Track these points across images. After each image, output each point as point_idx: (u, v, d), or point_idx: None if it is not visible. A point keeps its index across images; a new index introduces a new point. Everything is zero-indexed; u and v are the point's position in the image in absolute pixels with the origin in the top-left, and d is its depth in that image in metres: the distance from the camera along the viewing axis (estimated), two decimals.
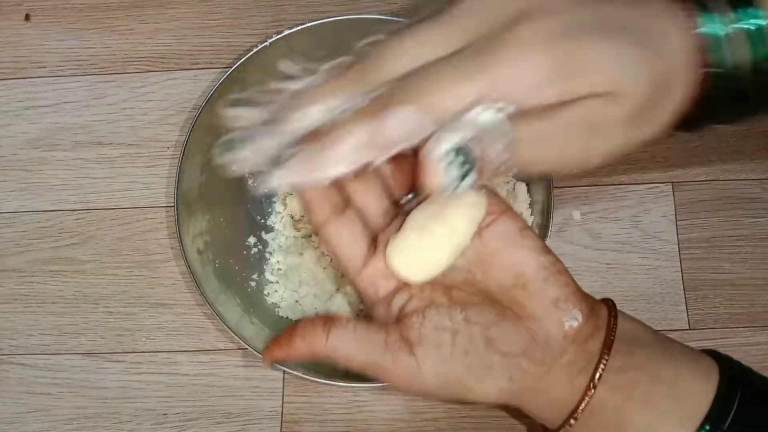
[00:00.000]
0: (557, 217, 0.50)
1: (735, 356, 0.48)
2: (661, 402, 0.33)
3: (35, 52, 0.55)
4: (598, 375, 0.33)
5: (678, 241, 0.50)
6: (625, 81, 0.29)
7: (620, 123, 0.30)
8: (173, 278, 0.51)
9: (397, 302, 0.34)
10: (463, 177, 0.27)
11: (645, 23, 0.30)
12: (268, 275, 0.50)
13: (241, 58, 0.47)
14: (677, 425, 0.33)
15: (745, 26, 0.29)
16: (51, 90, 0.55)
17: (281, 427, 0.48)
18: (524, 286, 0.34)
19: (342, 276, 0.48)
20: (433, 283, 0.34)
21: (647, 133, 0.31)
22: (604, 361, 0.33)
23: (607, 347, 0.34)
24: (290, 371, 0.44)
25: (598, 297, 0.49)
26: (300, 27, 0.48)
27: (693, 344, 0.48)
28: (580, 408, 0.33)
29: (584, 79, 0.29)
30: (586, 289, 0.49)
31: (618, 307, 0.50)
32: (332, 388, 0.48)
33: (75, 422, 0.49)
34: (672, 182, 0.51)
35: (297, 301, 0.49)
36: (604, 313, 0.35)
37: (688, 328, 0.49)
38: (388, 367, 0.33)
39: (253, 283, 0.49)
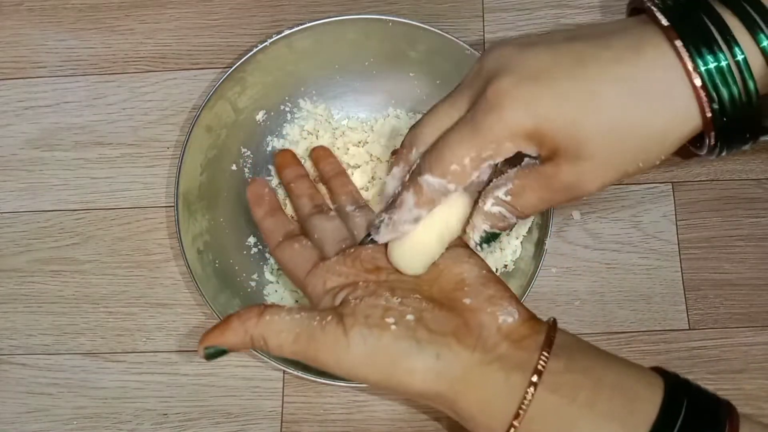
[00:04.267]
0: (557, 217, 0.50)
1: (735, 356, 0.48)
2: (607, 406, 0.32)
3: (35, 52, 0.55)
4: (536, 373, 0.32)
5: (678, 241, 0.50)
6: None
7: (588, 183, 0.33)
8: (173, 278, 0.51)
9: (342, 293, 0.37)
10: (490, 241, 0.37)
11: (639, 68, 0.31)
12: (268, 275, 0.50)
13: (241, 58, 0.47)
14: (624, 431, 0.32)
15: (735, 59, 0.30)
16: (51, 90, 0.55)
17: (281, 427, 0.48)
18: (463, 288, 0.36)
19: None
20: (379, 282, 0.37)
21: (632, 173, 0.34)
22: (543, 358, 0.33)
23: (546, 346, 0.33)
24: (290, 371, 0.44)
25: (597, 297, 0.49)
26: (300, 27, 0.48)
27: (693, 344, 0.48)
28: (522, 408, 0.32)
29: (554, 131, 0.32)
30: (586, 289, 0.49)
31: (618, 307, 0.50)
32: (332, 388, 0.48)
33: (75, 422, 0.49)
34: (672, 182, 0.51)
35: (297, 301, 0.49)
36: (545, 323, 0.35)
37: (688, 328, 0.49)
38: (316, 338, 0.35)
39: (253, 283, 0.49)
